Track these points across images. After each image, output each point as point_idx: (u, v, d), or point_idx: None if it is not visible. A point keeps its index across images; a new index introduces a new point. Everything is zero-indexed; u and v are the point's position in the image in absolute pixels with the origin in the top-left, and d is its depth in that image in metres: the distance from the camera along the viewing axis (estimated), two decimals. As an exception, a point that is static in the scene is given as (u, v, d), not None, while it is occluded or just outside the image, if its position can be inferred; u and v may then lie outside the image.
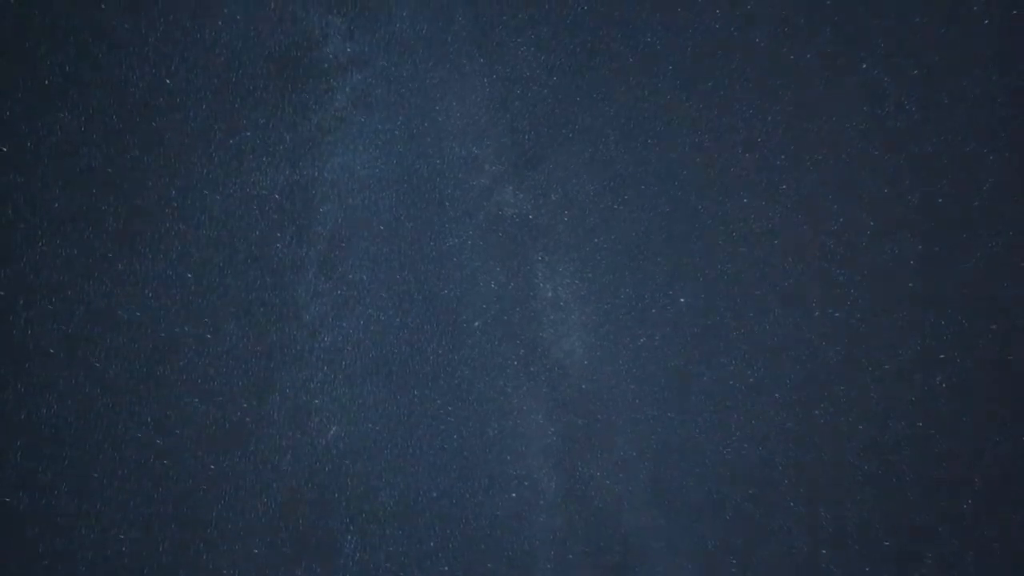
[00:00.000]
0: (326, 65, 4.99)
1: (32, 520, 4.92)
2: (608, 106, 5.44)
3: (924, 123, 5.67)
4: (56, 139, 4.81)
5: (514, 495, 5.65)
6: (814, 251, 5.83)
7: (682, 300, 5.68)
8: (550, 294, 5.62)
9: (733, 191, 5.77)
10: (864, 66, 5.63)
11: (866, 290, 5.71)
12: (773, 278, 5.91)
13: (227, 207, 5.08)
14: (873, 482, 5.73)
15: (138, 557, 5.04)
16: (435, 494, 5.53)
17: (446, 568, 5.49)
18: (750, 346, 5.77)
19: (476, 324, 5.44)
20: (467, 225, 5.42)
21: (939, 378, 5.58)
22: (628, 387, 5.76)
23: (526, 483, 5.70)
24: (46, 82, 4.66)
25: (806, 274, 5.80)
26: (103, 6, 4.75)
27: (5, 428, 4.91)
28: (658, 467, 5.99)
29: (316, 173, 5.03)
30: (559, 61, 5.35)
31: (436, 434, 5.53)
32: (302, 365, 5.17)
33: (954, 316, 5.60)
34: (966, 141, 5.56)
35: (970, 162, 5.60)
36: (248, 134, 4.95)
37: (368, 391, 5.32)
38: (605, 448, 5.86)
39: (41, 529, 5.02)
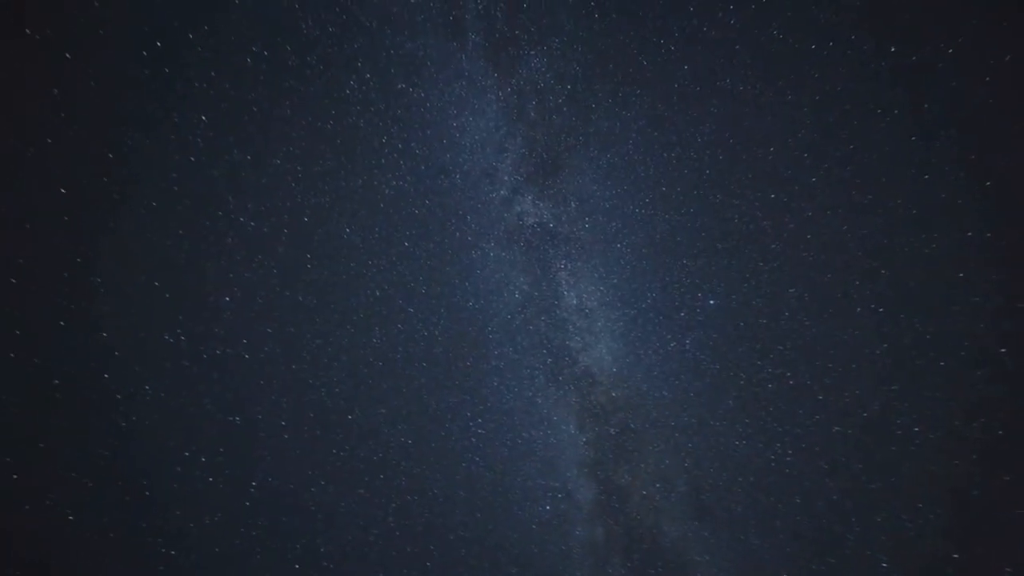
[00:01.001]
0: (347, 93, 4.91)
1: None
2: (625, 111, 5.14)
3: (955, 115, 5.02)
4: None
5: (548, 507, 5.29)
6: (852, 245, 5.24)
7: (712, 302, 5.22)
8: (575, 301, 5.31)
9: (761, 187, 5.30)
10: (892, 53, 5.07)
11: (911, 285, 5.06)
12: (810, 275, 5.35)
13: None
14: (935, 487, 4.99)
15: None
16: (468, 506, 5.24)
17: (482, 581, 5.18)
18: (789, 347, 5.21)
19: (502, 335, 5.17)
20: (489, 237, 5.22)
21: (996, 375, 4.84)
22: (660, 394, 5.32)
23: (560, 495, 5.33)
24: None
25: (845, 270, 5.21)
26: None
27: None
28: (698, 476, 5.47)
29: (340, 191, 4.95)
30: (572, 70, 5.12)
31: (467, 447, 5.27)
32: (332, 379, 5.03)
33: (1010, 310, 4.86)
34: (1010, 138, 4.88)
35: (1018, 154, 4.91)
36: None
37: (397, 405, 5.13)
38: (640, 457, 5.41)
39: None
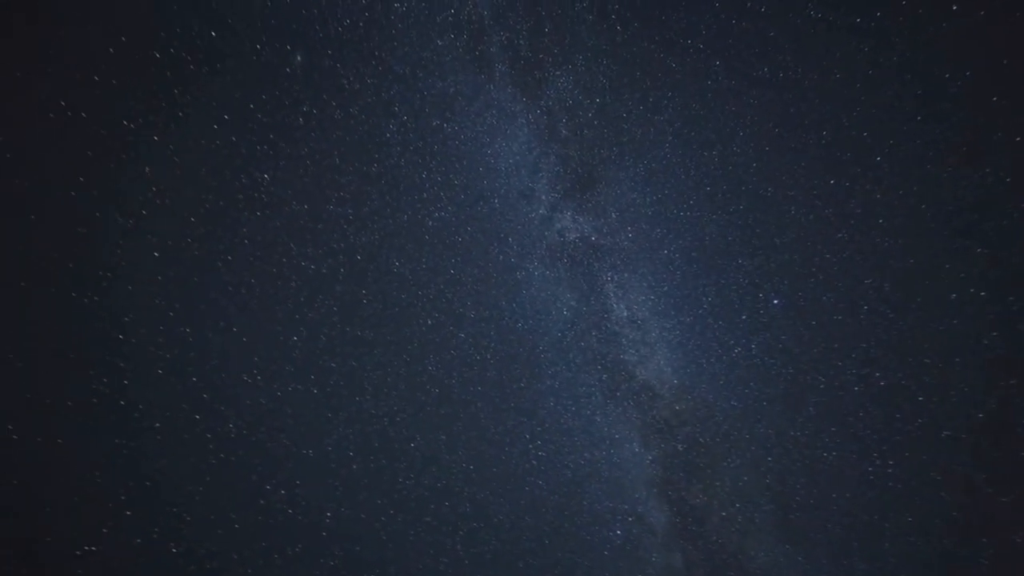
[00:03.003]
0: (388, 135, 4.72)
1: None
2: (657, 115, 4.52)
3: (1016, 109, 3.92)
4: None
5: (619, 531, 4.49)
6: (936, 223, 4.17)
7: (776, 302, 4.33)
8: (625, 313, 4.62)
9: (818, 174, 4.42)
10: (953, 12, 4.11)
11: (1016, 262, 3.89)
12: (888, 262, 4.32)
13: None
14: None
15: None
16: (535, 532, 4.55)
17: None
18: (873, 344, 4.16)
19: (554, 354, 4.56)
20: (531, 256, 4.72)
21: None
22: (729, 404, 4.42)
23: (630, 518, 4.52)
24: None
25: (931, 252, 4.14)
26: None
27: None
28: (784, 494, 4.45)
29: (388, 227, 4.67)
30: (599, 83, 4.61)
31: (528, 470, 4.63)
32: (393, 408, 4.63)
33: None
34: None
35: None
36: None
37: (456, 430, 4.62)
38: (714, 475, 4.49)
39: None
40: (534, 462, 4.55)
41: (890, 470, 4.06)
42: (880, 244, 4.31)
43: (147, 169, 4.67)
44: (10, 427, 4.66)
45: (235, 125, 4.75)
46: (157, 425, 4.82)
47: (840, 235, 4.36)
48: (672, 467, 4.44)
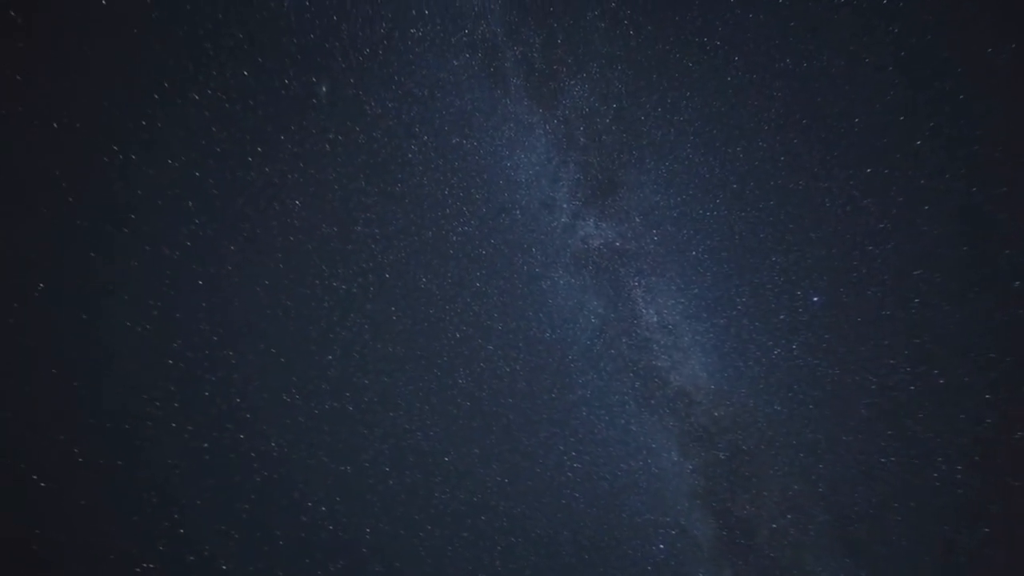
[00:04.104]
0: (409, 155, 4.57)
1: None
2: (676, 115, 4.19)
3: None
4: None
5: (662, 545, 4.05)
6: (989, 206, 3.61)
7: (816, 299, 3.86)
8: (655, 318, 4.24)
9: (852, 163, 3.97)
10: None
11: None
12: (938, 251, 3.78)
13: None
14: None
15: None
16: (575, 547, 4.16)
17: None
18: (927, 339, 3.61)
19: (584, 362, 4.21)
20: (556, 265, 4.43)
21: None
22: (772, 409, 3.94)
23: (673, 531, 4.08)
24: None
25: (986, 238, 3.58)
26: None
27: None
28: (839, 503, 3.90)
29: (414, 245, 4.49)
30: (615, 89, 4.33)
31: (564, 482, 4.27)
32: (426, 423, 4.39)
33: None
34: None
35: None
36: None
37: (489, 443, 4.32)
38: (761, 484, 3.99)
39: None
40: (569, 474, 4.17)
41: (958, 476, 3.47)
42: (928, 232, 3.77)
43: (190, 203, 4.67)
44: (76, 451, 4.64)
45: (268, 156, 4.71)
46: (205, 446, 4.72)
47: (882, 225, 3.85)
48: (715, 477, 3.97)
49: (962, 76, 3.69)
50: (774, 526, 3.82)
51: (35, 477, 4.65)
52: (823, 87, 4.03)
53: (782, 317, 3.88)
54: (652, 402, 4.17)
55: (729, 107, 4.29)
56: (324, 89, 4.68)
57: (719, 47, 4.29)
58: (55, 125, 4.40)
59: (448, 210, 4.83)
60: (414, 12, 4.49)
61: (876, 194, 3.92)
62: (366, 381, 4.85)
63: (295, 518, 4.75)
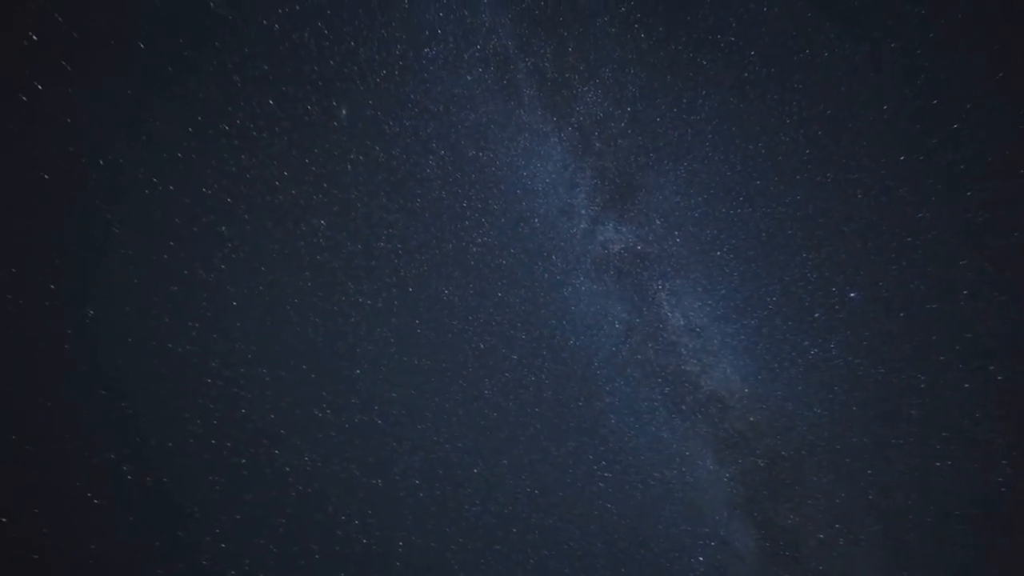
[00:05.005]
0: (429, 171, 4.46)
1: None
2: (693, 115, 3.92)
3: None
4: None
5: (702, 558, 3.70)
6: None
7: (853, 295, 3.48)
8: (682, 322, 3.93)
9: (885, 152, 3.62)
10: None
11: None
12: (984, 239, 3.36)
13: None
14: None
15: None
16: (609, 559, 3.84)
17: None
18: (982, 333, 3.18)
19: (610, 369, 3.93)
20: (577, 272, 4.20)
21: None
22: (812, 412, 3.56)
23: (712, 542, 3.71)
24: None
25: None
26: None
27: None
28: (893, 511, 3.46)
29: (435, 258, 4.34)
30: (628, 93, 4.10)
31: (596, 493, 3.97)
32: (454, 434, 4.19)
33: None
34: None
35: None
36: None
37: (517, 454, 4.07)
38: (804, 492, 3.59)
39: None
40: (600, 484, 3.86)
41: (1020, 477, 2.99)
42: (974, 219, 3.34)
43: (223, 229, 4.64)
44: (124, 468, 4.62)
45: (294, 179, 4.67)
46: (243, 462, 4.62)
47: (921, 215, 3.44)
48: (754, 485, 3.59)
49: (999, 52, 3.28)
50: (821, 537, 3.40)
51: (89, 495, 4.64)
52: (847, 76, 3.68)
53: (817, 315, 3.50)
54: (683, 408, 3.83)
55: (747, 103, 3.98)
56: (344, 112, 4.62)
57: (733, 43, 4.00)
58: (101, 163, 4.45)
59: (467, 222, 4.66)
60: (427, 32, 4.39)
61: (912, 182, 3.52)
62: (393, 394, 4.69)
63: (330, 532, 4.59)
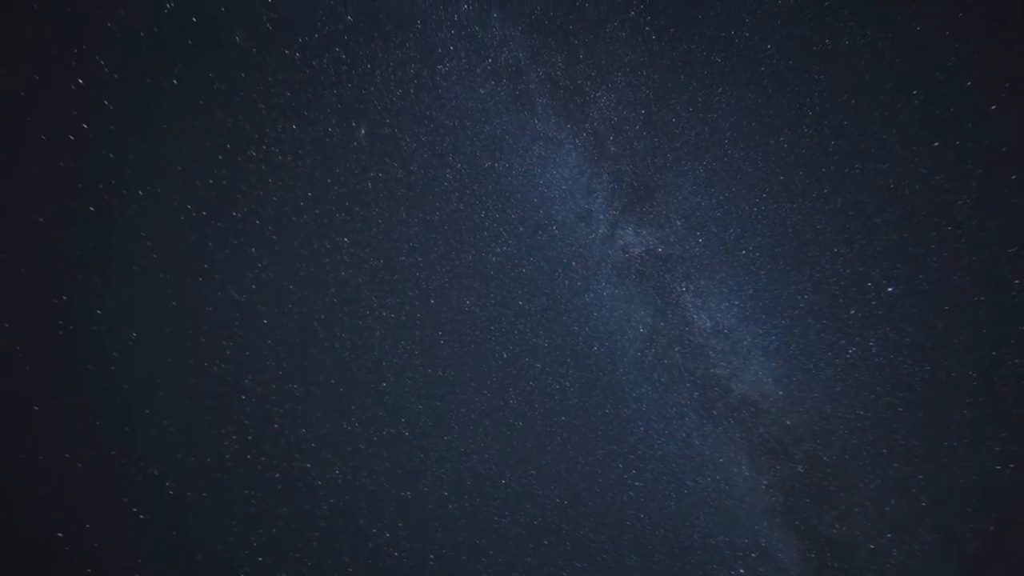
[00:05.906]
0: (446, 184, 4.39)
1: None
2: (710, 113, 3.72)
3: None
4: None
5: (742, 570, 3.40)
6: None
7: (891, 289, 3.17)
8: (708, 324, 3.68)
9: (916, 139, 3.33)
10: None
11: None
12: None
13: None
14: None
15: None
16: (645, 573, 3.58)
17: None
18: None
19: (636, 375, 3.70)
20: (598, 277, 4.00)
21: None
22: (854, 414, 3.24)
23: (753, 553, 3.42)
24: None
25: None
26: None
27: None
28: (949, 519, 3.11)
29: (455, 269, 4.23)
30: (642, 95, 3.93)
31: (627, 502, 3.73)
32: (480, 445, 4.02)
33: None
34: None
35: None
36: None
37: (545, 463, 3.87)
38: (850, 499, 3.26)
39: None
40: (631, 493, 3.61)
41: None
42: (1021, 204, 2.98)
43: (252, 250, 4.64)
44: (167, 484, 4.61)
45: (317, 199, 4.64)
46: (277, 476, 4.55)
47: (961, 202, 3.11)
48: (794, 492, 3.28)
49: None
50: (872, 547, 3.06)
51: (135, 510, 4.64)
52: (871, 63, 3.39)
53: (853, 312, 3.19)
54: (714, 412, 3.55)
55: (766, 98, 3.72)
56: (363, 132, 4.58)
57: (748, 38, 3.77)
58: (140, 193, 4.52)
59: (486, 232, 4.53)
60: (440, 50, 4.33)
61: (948, 169, 3.19)
62: (419, 406, 4.55)
63: (362, 545, 4.45)
